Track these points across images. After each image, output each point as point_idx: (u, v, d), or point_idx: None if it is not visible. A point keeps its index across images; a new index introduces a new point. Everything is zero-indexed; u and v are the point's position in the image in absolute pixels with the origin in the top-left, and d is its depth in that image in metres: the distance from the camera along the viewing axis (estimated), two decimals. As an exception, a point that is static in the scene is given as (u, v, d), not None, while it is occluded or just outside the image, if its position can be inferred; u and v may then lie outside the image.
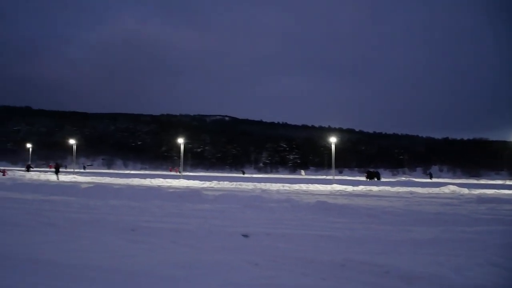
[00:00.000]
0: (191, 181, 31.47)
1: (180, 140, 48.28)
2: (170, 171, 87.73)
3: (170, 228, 8.33)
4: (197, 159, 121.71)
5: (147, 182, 29.63)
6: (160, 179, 33.21)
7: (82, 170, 70.71)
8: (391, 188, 26.77)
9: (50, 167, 71.55)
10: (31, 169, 52.83)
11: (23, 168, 56.75)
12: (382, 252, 6.54)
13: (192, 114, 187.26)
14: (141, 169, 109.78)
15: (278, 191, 22.35)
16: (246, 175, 72.10)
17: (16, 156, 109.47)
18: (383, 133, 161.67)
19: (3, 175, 34.82)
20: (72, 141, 56.79)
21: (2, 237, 7.03)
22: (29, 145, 66.45)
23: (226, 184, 28.66)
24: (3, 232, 7.43)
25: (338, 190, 24.57)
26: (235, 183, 29.50)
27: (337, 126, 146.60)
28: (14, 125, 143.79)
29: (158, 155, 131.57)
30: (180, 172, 47.13)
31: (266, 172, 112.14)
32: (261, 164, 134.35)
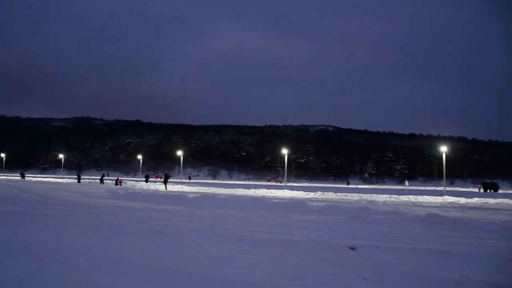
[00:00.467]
0: (295, 191, 31.55)
1: (284, 151, 48.79)
2: (268, 181, 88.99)
3: (276, 239, 8.33)
4: (301, 170, 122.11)
5: (251, 192, 30.25)
6: (264, 189, 33.76)
7: (187, 180, 74.48)
8: (511, 200, 24.36)
9: (156, 177, 76.48)
10: (149, 179, 56.35)
11: (141, 179, 61.19)
12: (505, 271, 5.91)
13: (295, 124, 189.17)
14: (245, 179, 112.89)
15: (385, 203, 21.49)
16: (350, 186, 70.72)
17: (128, 167, 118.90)
18: (500, 141, 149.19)
19: (120, 185, 37.72)
20: (179, 153, 60.11)
21: (118, 244, 7.55)
22: (139, 157, 71.62)
23: (330, 195, 28.27)
24: (119, 239, 7.99)
25: (450, 202, 23.00)
26: (339, 194, 28.99)
27: (447, 134, 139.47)
28: (126, 137, 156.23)
29: (262, 166, 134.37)
30: (280, 183, 47.50)
31: (371, 183, 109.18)
32: (366, 175, 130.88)
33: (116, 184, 38.00)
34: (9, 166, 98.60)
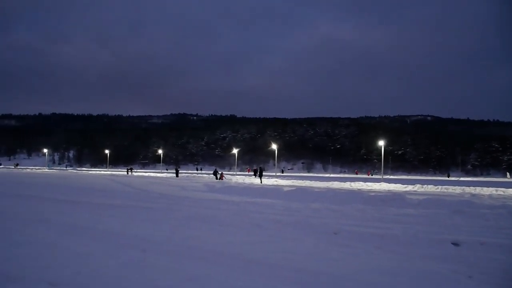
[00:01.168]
0: (393, 184, 30.52)
1: (380, 143, 47.37)
2: (356, 173, 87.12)
3: (373, 233, 8.17)
4: (398, 162, 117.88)
5: (347, 185, 29.77)
6: (360, 182, 33.09)
7: (280, 174, 75.11)
8: None
9: (248, 170, 77.97)
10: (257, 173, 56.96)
11: (235, 173, 63.02)
12: None
13: (392, 115, 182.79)
14: (340, 172, 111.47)
15: (490, 196, 19.96)
16: (451, 178, 66.95)
17: (223, 161, 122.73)
18: None
19: (221, 179, 38.88)
20: (273, 146, 60.82)
21: (217, 236, 7.89)
22: (234, 151, 73.55)
23: (430, 188, 26.92)
24: (217, 232, 8.34)
25: None
26: (440, 186, 27.50)
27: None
28: (221, 132, 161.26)
29: (357, 158, 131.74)
30: (372, 175, 46.07)
31: (475, 175, 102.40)
32: (469, 166, 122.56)
33: (216, 177, 39.04)
34: (113, 162, 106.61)
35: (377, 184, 31.07)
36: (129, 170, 60.05)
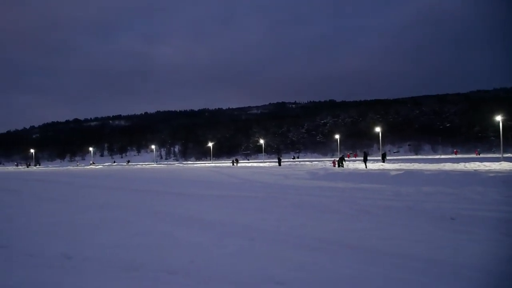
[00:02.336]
0: (516, 163, 28.12)
1: (498, 118, 43.93)
2: (476, 154, 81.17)
3: (497, 218, 7.60)
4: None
5: (461, 166, 28.01)
6: (477, 162, 30.93)
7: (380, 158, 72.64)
8: None
9: (348, 156, 76.21)
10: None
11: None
12: None
13: (508, 86, 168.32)
14: (452, 153, 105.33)
15: None
16: None
17: (325, 148, 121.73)
18: None
19: (337, 165, 38.36)
20: (377, 129, 59.18)
21: (324, 224, 7.85)
22: (336, 136, 72.69)
23: None
24: (325, 220, 8.30)
25: None
26: None
27: None
28: (321, 118, 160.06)
29: (471, 137, 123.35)
30: (479, 154, 42.42)
31: None
32: None
33: (340, 164, 38.09)
34: (216, 154, 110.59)
35: (496, 163, 28.85)
36: (234, 161, 61.76)
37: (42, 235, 7.61)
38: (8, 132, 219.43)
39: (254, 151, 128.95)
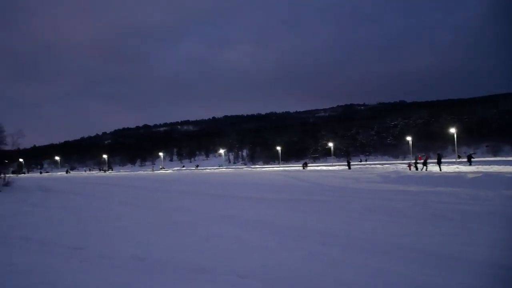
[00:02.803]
0: None
1: None
2: None
3: None
4: None
5: (549, 168, 26.14)
6: None
7: (459, 160, 69.43)
8: None
9: (420, 158, 72.89)
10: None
11: (407, 162, 60.13)
12: None
13: None
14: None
15: None
16: None
17: (396, 150, 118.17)
18: None
19: (410, 168, 37.29)
20: (452, 130, 56.75)
21: (396, 228, 7.65)
22: (408, 138, 70.52)
23: None
24: (397, 224, 8.09)
25: None
26: None
27: None
28: (391, 120, 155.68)
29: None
30: None
31: None
32: None
33: (416, 165, 36.80)
34: (284, 158, 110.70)
35: None
36: (304, 165, 61.43)
37: (115, 237, 7.98)
38: (82, 139, 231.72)
39: (323, 154, 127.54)
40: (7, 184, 27.85)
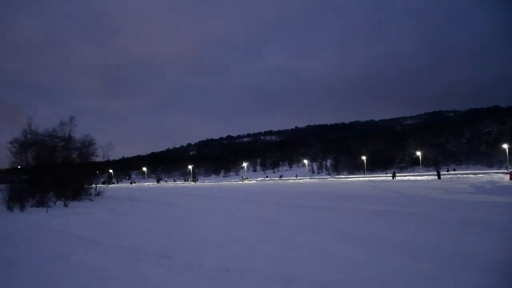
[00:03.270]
0: None
1: None
2: None
3: None
4: None
5: None
6: None
7: None
8: None
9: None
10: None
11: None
12: None
13: None
14: None
15: None
16: None
17: (491, 159, 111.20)
18: None
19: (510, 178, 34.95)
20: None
21: (494, 242, 7.14)
22: (504, 146, 66.19)
23: None
24: (497, 238, 7.55)
25: None
26: None
27: None
28: (484, 126, 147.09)
29: None
30: None
31: None
32: None
33: None
34: (369, 167, 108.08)
35: None
36: (394, 175, 59.52)
37: (202, 246, 8.14)
38: (168, 150, 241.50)
39: (410, 164, 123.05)
40: (98, 194, 29.74)
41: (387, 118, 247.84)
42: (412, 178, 52.41)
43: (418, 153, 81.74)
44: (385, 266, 5.79)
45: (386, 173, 60.99)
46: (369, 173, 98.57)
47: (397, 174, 61.50)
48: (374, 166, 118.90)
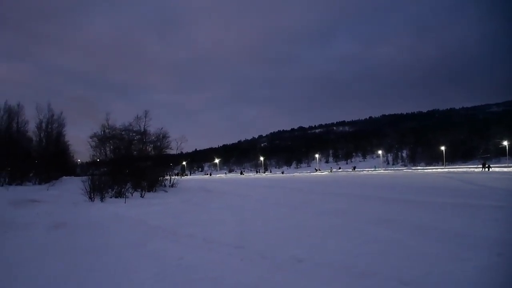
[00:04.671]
0: None
1: None
2: None
3: None
4: None
5: None
6: None
7: None
8: None
9: None
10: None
11: None
12: None
13: None
14: None
15: None
16: None
17: None
18: None
19: None
20: None
21: None
22: None
23: None
24: None
25: None
26: None
27: None
28: None
29: None
30: None
31: None
32: None
33: None
34: (449, 158, 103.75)
35: None
36: (484, 166, 56.71)
37: (275, 238, 8.28)
38: (239, 142, 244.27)
39: (495, 155, 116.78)
40: (172, 185, 30.85)
41: (469, 106, 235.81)
42: (497, 169, 49.59)
43: (505, 143, 77.22)
44: (468, 262, 5.62)
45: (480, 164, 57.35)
46: (448, 165, 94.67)
47: (478, 166, 58.60)
48: (454, 158, 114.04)
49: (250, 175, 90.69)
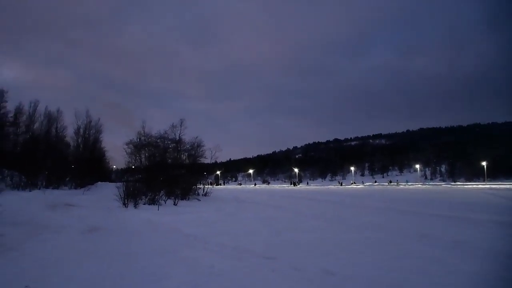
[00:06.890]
0: None
1: None
2: None
3: None
4: None
5: None
6: None
7: None
8: None
9: None
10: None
11: None
12: None
13: None
14: None
15: None
16: None
17: None
18: None
19: None
20: None
21: None
22: None
23: None
24: None
25: None
26: None
27: None
28: None
29: None
30: None
31: None
32: None
33: None
34: (491, 174, 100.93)
35: None
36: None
37: (307, 250, 8.24)
38: (274, 153, 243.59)
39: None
40: (205, 194, 31.01)
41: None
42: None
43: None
44: (507, 283, 5.47)
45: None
46: (490, 181, 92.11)
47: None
48: (496, 173, 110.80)
49: (284, 186, 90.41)
